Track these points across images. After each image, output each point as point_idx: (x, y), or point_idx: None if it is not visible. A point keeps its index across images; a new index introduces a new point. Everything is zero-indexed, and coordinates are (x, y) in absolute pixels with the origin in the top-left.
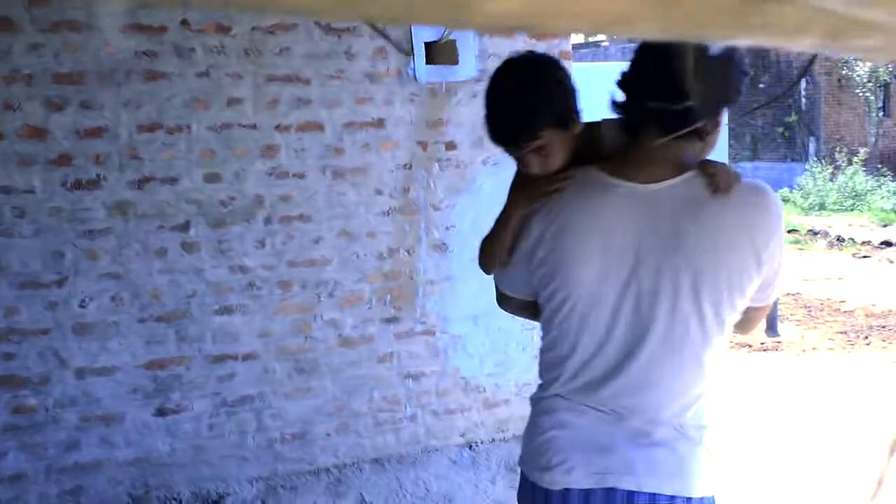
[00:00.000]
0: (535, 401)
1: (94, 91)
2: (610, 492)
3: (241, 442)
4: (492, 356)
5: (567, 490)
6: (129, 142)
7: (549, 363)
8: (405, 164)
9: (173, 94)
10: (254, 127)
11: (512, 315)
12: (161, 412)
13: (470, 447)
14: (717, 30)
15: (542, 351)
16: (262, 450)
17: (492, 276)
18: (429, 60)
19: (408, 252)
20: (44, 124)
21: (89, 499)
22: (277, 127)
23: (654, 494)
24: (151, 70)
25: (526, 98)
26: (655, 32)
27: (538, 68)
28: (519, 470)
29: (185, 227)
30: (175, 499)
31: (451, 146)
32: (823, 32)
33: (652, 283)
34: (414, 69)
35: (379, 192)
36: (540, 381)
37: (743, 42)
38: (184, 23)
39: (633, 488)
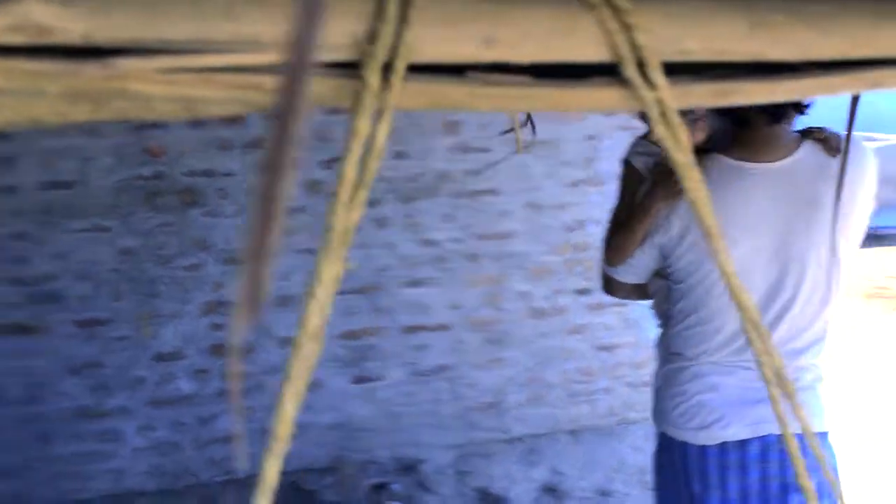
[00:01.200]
0: (676, 371)
1: None
2: (765, 438)
3: (435, 410)
4: None
5: (724, 443)
6: (320, 123)
7: (699, 336)
8: (592, 135)
9: None
10: None
11: (621, 300)
12: (358, 380)
13: None
14: (82, 115)
15: (689, 326)
16: (456, 418)
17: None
18: None
19: (597, 223)
20: None
21: (298, 460)
22: None
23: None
24: None
25: None
26: (24, 124)
27: None
28: (672, 445)
29: (376, 203)
30: (374, 462)
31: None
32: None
33: (800, 246)
34: None
35: (566, 164)
36: (678, 353)
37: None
38: None
39: (785, 432)
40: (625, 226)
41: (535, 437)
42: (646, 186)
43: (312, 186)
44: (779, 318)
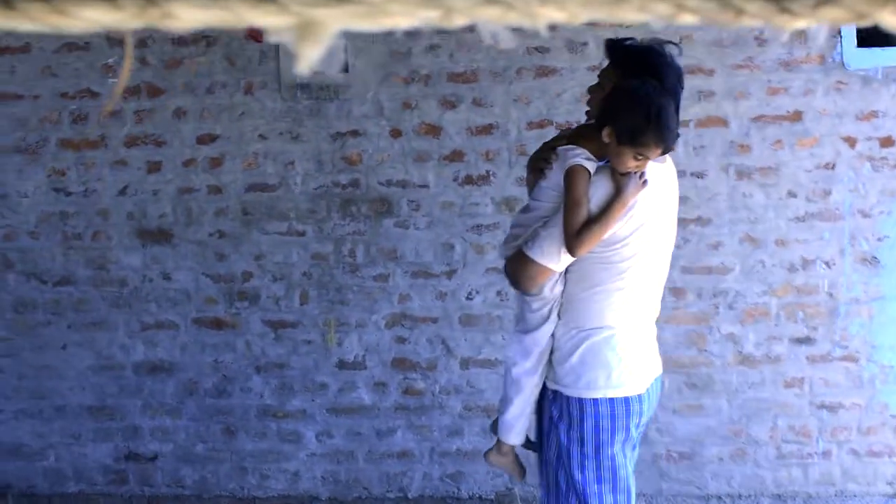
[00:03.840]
0: (603, 340)
1: (486, 89)
2: (656, 379)
3: None
4: None
5: (646, 390)
6: (518, 138)
7: (626, 306)
8: (827, 164)
9: (563, 89)
10: None
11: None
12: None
13: None
14: None
15: (616, 300)
16: (645, 464)
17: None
18: (861, 42)
19: (826, 264)
20: (438, 122)
21: (468, 486)
22: None
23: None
24: (542, 66)
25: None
26: None
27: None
28: (604, 402)
29: None
30: None
31: (887, 142)
32: None
33: (667, 233)
34: (841, 53)
35: (792, 195)
36: (600, 327)
37: None
38: None
39: (661, 372)
40: (600, 221)
41: (734, 497)
42: (606, 185)
43: (506, 203)
44: (657, 289)
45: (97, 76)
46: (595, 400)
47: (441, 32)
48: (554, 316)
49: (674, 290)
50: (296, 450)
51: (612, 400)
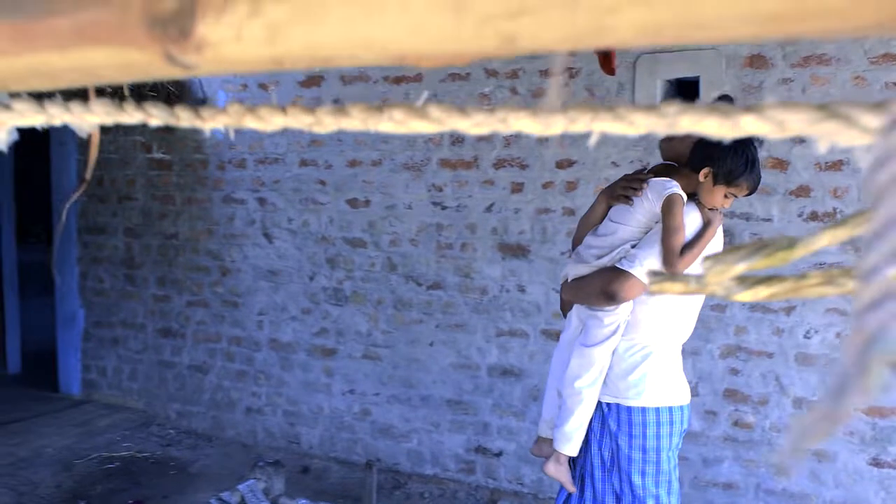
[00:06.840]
0: (665, 356)
1: None
2: None
3: None
4: None
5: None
6: None
7: (681, 327)
8: None
9: None
10: None
11: (624, 297)
12: (876, 462)
13: None
14: None
15: (673, 320)
16: None
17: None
18: None
19: None
20: (786, 156)
21: None
22: None
23: None
24: None
25: None
26: None
27: None
28: (665, 410)
29: None
30: None
31: None
32: None
33: None
34: None
35: None
36: (661, 341)
37: None
38: None
39: None
40: (695, 246)
41: None
42: (696, 216)
43: (853, 242)
44: None
45: (474, 103)
46: (657, 409)
47: (795, 67)
48: (620, 332)
49: None
50: None
51: (670, 408)
